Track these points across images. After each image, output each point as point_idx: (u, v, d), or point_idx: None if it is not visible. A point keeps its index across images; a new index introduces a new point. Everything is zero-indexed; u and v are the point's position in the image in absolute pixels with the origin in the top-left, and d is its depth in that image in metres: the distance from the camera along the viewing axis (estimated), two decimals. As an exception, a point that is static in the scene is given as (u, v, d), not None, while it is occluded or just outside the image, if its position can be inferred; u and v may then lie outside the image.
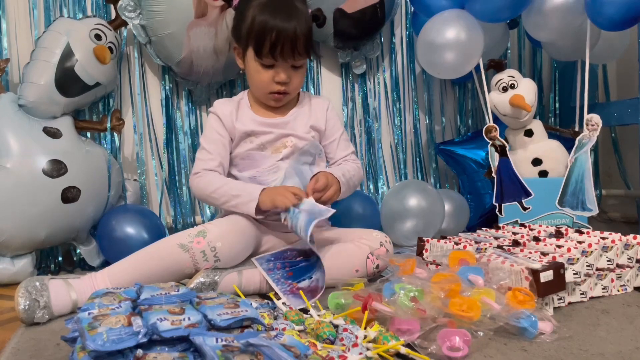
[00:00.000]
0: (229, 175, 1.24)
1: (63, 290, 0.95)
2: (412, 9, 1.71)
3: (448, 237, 1.17)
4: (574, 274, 0.93)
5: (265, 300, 0.96)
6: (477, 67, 1.51)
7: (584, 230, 1.15)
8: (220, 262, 1.05)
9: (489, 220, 1.53)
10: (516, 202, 1.43)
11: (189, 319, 0.69)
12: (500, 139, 1.46)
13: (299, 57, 1.17)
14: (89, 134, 1.53)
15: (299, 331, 0.77)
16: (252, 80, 1.23)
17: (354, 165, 1.26)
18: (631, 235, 1.04)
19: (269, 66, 1.17)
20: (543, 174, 1.46)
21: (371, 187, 1.81)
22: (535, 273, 0.86)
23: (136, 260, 1.05)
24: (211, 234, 1.05)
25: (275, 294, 1.04)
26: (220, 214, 1.29)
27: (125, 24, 1.51)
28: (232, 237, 1.07)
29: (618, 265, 1.01)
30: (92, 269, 1.40)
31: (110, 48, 1.44)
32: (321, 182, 1.12)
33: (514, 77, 1.47)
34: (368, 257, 1.13)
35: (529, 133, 1.48)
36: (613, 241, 1.01)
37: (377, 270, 1.15)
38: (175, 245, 1.04)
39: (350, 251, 1.13)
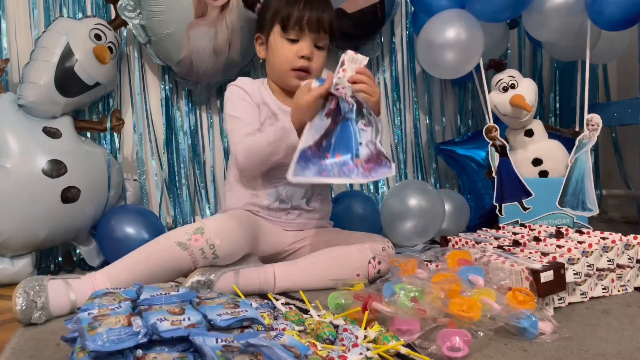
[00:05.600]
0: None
1: (62, 291, 0.94)
2: (412, 9, 1.72)
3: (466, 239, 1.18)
4: (575, 274, 0.92)
5: (265, 300, 0.96)
6: (477, 67, 1.51)
7: (585, 230, 1.14)
8: (219, 259, 1.04)
9: (489, 220, 1.53)
10: (516, 202, 1.43)
11: (189, 319, 0.69)
12: (500, 139, 1.46)
13: (323, 33, 1.21)
14: (88, 134, 1.53)
15: (299, 331, 0.77)
16: (275, 59, 1.23)
17: None
18: (631, 235, 1.04)
19: (294, 40, 1.20)
20: (543, 174, 1.46)
21: (371, 187, 1.81)
22: (535, 273, 0.86)
23: (135, 259, 1.04)
24: (209, 231, 1.03)
25: (275, 294, 1.04)
26: (220, 212, 1.28)
27: (125, 23, 1.51)
28: (231, 233, 1.06)
29: (618, 266, 1.01)
30: (92, 269, 1.40)
31: (110, 48, 1.44)
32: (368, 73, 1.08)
33: (514, 77, 1.47)
34: (370, 262, 1.13)
35: (529, 133, 1.48)
36: (613, 241, 1.01)
37: (378, 275, 1.14)
38: (173, 243, 1.03)
39: (352, 255, 1.12)
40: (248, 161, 1.15)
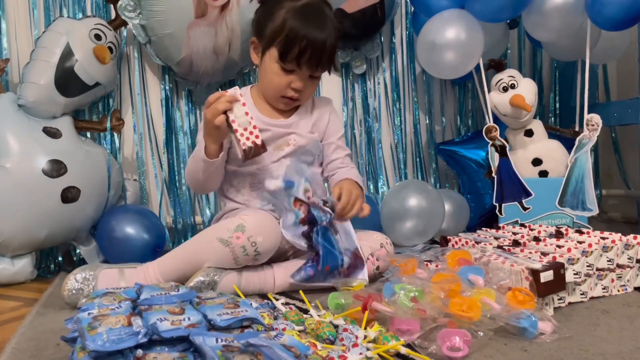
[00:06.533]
0: (227, 171, 1.24)
1: (113, 280, 0.99)
2: (412, 9, 1.71)
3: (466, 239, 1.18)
4: (574, 274, 0.93)
5: (265, 300, 0.96)
6: (477, 67, 1.51)
7: (584, 230, 1.14)
8: (260, 255, 1.04)
9: (489, 220, 1.53)
10: (516, 202, 1.43)
11: (189, 319, 0.69)
12: (500, 139, 1.46)
13: (321, 70, 1.18)
14: (89, 134, 1.53)
15: (299, 331, 0.77)
16: (266, 80, 1.20)
17: (356, 171, 1.27)
18: (631, 235, 1.04)
19: (289, 71, 1.16)
20: (543, 174, 1.46)
21: (371, 187, 1.81)
22: (535, 273, 0.86)
23: (181, 253, 1.08)
24: (250, 228, 1.03)
25: (275, 294, 1.04)
26: (219, 213, 1.28)
27: (125, 23, 1.51)
28: (271, 229, 1.06)
29: (618, 266, 1.01)
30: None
31: (110, 48, 1.44)
32: (353, 197, 1.12)
33: (514, 77, 1.47)
34: (368, 259, 1.13)
35: (529, 133, 1.48)
36: (613, 241, 1.01)
37: (377, 272, 1.15)
38: (215, 239, 1.03)
39: None
40: (188, 182, 1.23)
